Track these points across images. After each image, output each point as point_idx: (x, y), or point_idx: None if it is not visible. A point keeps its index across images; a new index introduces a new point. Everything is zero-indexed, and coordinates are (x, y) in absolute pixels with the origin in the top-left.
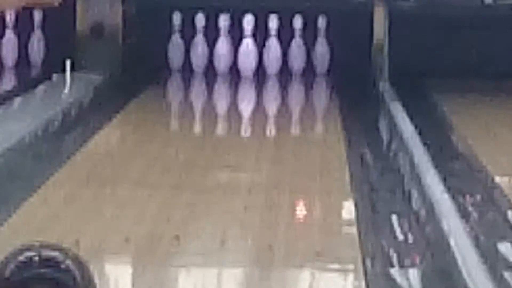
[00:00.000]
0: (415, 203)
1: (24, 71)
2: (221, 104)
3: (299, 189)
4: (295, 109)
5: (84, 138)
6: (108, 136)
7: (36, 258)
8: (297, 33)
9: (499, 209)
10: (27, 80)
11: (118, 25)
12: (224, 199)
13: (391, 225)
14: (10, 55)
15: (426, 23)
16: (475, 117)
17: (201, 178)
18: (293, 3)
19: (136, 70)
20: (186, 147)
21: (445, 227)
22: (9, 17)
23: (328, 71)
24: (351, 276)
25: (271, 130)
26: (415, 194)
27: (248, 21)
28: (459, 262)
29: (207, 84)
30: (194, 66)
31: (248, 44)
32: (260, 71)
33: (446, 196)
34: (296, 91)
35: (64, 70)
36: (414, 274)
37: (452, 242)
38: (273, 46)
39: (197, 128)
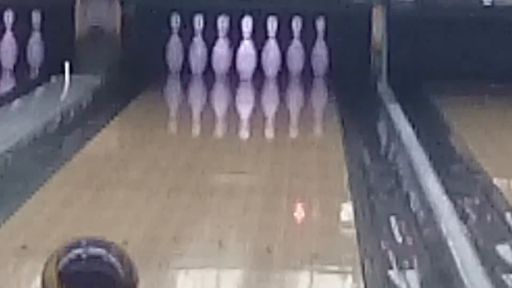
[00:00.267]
0: (414, 205)
1: (23, 73)
2: (220, 106)
3: (298, 191)
4: (294, 111)
5: (82, 140)
6: (107, 138)
7: (84, 256)
8: (296, 35)
9: (497, 211)
10: (26, 82)
11: (117, 27)
12: (222, 201)
13: (390, 227)
14: (9, 57)
15: (424, 25)
16: (474, 118)
17: (200, 180)
18: (291, 5)
19: (134, 72)
20: (184, 149)
21: (444, 229)
22: (8, 19)
23: (327, 73)
24: (349, 278)
25: (269, 132)
26: (413, 196)
27: (247, 23)
28: (458, 263)
29: (206, 86)
30: (192, 68)
31: (246, 46)
32: (258, 73)
33: (444, 198)
34: (294, 93)
35: (62, 72)
36: (412, 276)
37: (450, 244)
38: (271, 48)
39: (196, 130)
